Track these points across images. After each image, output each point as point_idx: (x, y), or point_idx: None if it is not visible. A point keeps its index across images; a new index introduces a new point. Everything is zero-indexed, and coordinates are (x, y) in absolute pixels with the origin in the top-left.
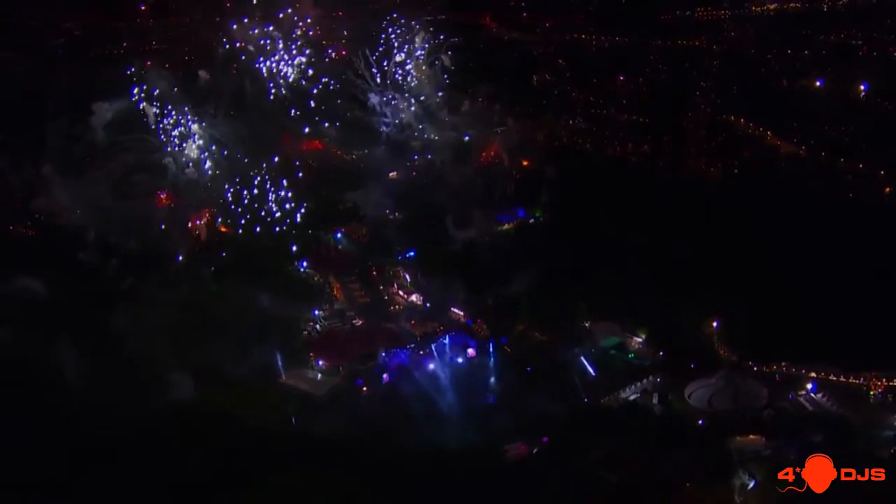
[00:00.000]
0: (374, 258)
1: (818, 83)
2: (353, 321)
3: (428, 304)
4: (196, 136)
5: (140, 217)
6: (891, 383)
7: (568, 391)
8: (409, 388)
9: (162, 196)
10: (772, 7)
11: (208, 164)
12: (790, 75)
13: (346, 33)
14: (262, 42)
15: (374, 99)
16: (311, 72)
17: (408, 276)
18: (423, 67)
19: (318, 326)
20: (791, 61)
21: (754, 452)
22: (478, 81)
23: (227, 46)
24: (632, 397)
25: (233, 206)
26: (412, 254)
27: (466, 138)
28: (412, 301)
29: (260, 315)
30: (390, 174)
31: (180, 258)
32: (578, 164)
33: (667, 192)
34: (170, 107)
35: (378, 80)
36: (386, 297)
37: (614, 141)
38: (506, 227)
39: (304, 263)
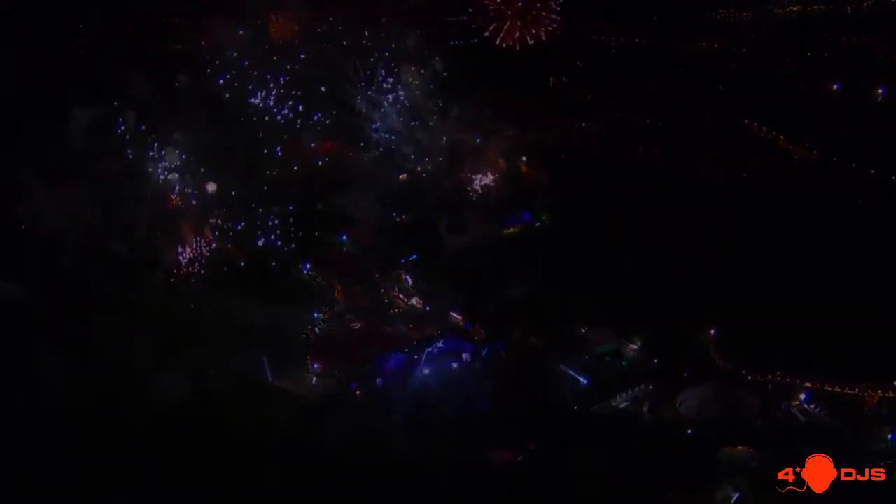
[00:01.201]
0: (377, 261)
1: (835, 86)
2: (352, 324)
3: (428, 308)
4: (181, 143)
5: (130, 222)
6: (886, 395)
7: (559, 398)
8: (403, 392)
9: (172, 197)
10: (795, 9)
11: (196, 169)
12: (807, 78)
13: (336, 36)
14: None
15: (363, 103)
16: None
17: (409, 279)
18: (415, 70)
19: (316, 329)
20: (810, 64)
21: (742, 463)
22: (474, 84)
23: (214, 50)
24: (622, 405)
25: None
26: (414, 257)
27: (462, 142)
28: (412, 304)
29: (258, 317)
30: (400, 176)
31: (179, 261)
32: (579, 168)
33: (670, 198)
34: (153, 113)
35: (368, 83)
36: (387, 301)
37: (615, 144)
38: (511, 230)
39: (308, 266)
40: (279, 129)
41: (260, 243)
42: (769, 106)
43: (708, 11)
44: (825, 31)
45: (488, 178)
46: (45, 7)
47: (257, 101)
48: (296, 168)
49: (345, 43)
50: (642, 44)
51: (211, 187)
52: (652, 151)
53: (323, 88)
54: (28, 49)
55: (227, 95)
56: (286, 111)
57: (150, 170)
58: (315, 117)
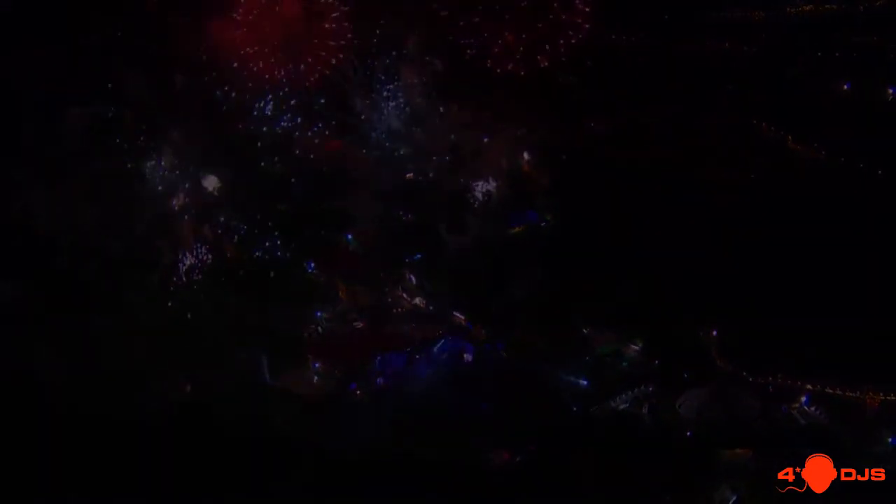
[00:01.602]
0: (381, 260)
1: (845, 87)
2: (355, 323)
3: (431, 308)
4: (180, 144)
5: (130, 223)
6: (887, 397)
7: (559, 399)
8: (403, 391)
9: (173, 198)
10: (807, 8)
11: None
12: (817, 79)
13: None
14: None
15: (361, 104)
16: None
17: (413, 279)
18: (414, 70)
19: (319, 328)
20: (820, 64)
21: (741, 466)
22: (476, 83)
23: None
24: (621, 407)
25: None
26: (418, 257)
27: (461, 143)
28: (415, 304)
29: (258, 317)
30: (406, 175)
31: (180, 263)
32: (584, 168)
33: (675, 198)
34: (153, 114)
35: (368, 83)
36: (390, 300)
37: (621, 144)
38: (515, 230)
39: (312, 265)
40: (281, 130)
41: (260, 248)
42: (778, 106)
43: (718, 11)
44: (836, 31)
45: (492, 178)
46: (44, 7)
47: (259, 106)
48: (298, 168)
49: (355, 42)
50: (651, 43)
51: (210, 184)
52: (658, 151)
53: (323, 101)
54: (27, 49)
55: (227, 98)
56: (287, 115)
57: (150, 171)
58: (317, 127)
